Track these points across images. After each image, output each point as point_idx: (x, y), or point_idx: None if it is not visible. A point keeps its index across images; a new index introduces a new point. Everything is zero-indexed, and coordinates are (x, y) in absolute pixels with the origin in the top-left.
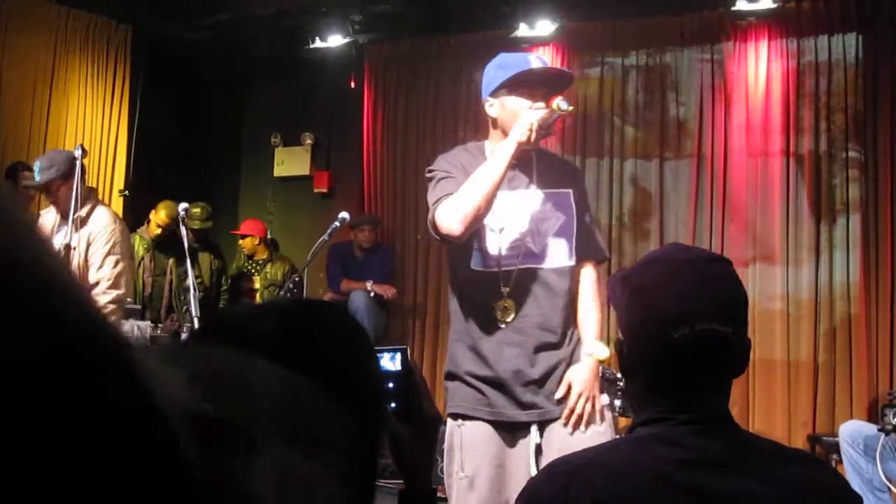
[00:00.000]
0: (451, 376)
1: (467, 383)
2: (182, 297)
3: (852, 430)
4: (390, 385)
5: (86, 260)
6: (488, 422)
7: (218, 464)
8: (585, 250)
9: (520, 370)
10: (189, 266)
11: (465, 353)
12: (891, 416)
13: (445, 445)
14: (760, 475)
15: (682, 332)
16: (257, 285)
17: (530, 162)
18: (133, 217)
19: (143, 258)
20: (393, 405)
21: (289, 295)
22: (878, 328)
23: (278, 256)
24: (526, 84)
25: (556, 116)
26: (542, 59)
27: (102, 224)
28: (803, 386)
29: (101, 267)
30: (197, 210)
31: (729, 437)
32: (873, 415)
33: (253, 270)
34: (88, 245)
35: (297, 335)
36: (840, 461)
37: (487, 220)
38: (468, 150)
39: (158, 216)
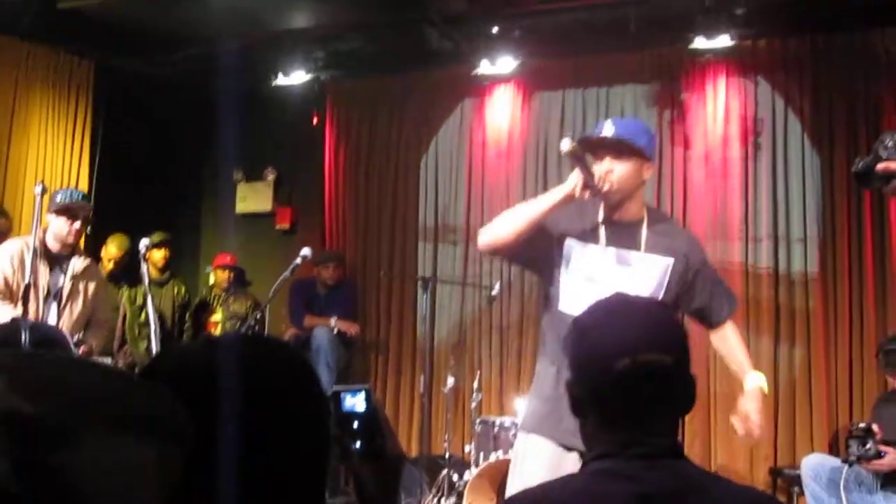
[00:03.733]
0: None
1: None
2: (137, 332)
3: (815, 464)
4: (355, 425)
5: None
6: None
7: (37, 460)
8: (720, 313)
9: None
10: (150, 300)
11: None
12: (855, 448)
13: None
14: None
15: (624, 362)
16: (219, 317)
17: (639, 224)
18: (94, 253)
19: None
20: (358, 444)
21: (249, 330)
22: (837, 361)
23: (242, 291)
24: (590, 147)
25: (595, 178)
26: (618, 123)
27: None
28: (764, 419)
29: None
30: (156, 236)
31: (680, 471)
32: (834, 447)
33: (217, 303)
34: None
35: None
36: (802, 494)
37: (581, 268)
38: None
39: (108, 251)
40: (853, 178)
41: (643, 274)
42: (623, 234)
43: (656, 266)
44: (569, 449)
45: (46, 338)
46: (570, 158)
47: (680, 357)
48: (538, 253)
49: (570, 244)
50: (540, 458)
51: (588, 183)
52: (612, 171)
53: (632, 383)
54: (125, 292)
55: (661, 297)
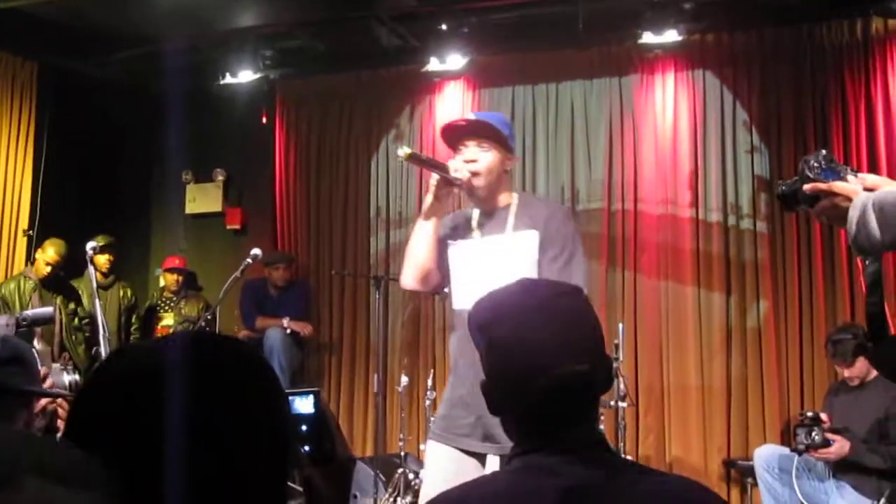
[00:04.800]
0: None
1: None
2: (74, 336)
3: (767, 454)
4: (304, 428)
5: None
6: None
7: None
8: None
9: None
10: (98, 304)
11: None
12: (802, 437)
13: None
14: (636, 496)
15: (541, 382)
16: (170, 321)
17: (508, 209)
18: (31, 256)
19: (30, 298)
20: (306, 448)
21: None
22: (787, 352)
23: (193, 293)
24: (449, 140)
25: (451, 170)
26: (480, 114)
27: None
28: (717, 411)
29: None
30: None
31: (605, 463)
32: (786, 438)
33: (167, 307)
34: None
35: (202, 365)
36: (755, 484)
37: (462, 265)
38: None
39: (46, 254)
40: (777, 200)
41: (515, 254)
42: (493, 223)
43: (525, 242)
44: (467, 453)
45: (14, 355)
46: (411, 163)
47: (597, 357)
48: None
49: (452, 246)
50: (437, 465)
51: (446, 178)
52: (477, 160)
53: (549, 397)
54: (59, 298)
55: (536, 272)
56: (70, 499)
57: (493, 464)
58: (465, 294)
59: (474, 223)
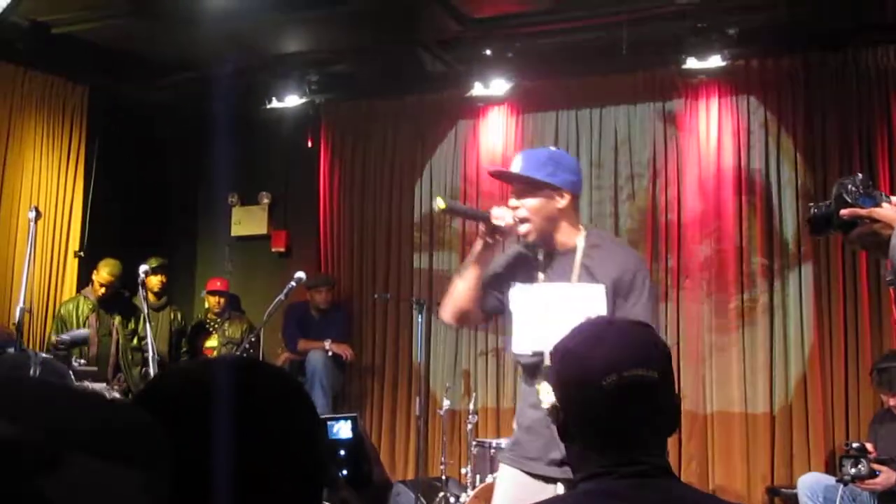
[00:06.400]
0: None
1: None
2: (130, 357)
3: (811, 483)
4: (342, 452)
5: None
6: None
7: (18, 481)
8: None
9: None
10: (148, 327)
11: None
12: (848, 467)
13: None
14: None
15: (611, 379)
16: (215, 343)
17: (573, 253)
18: (88, 279)
19: (87, 318)
20: (344, 472)
21: (244, 354)
22: (832, 380)
23: (237, 315)
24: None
25: (493, 218)
26: (524, 155)
27: None
28: (761, 439)
29: None
30: (153, 261)
31: (672, 491)
32: (830, 466)
33: (212, 328)
34: None
35: (240, 388)
36: None
37: (524, 309)
38: None
39: (100, 275)
40: (806, 224)
41: (582, 307)
42: (558, 266)
43: (594, 293)
44: (536, 477)
45: (53, 372)
46: (450, 214)
47: (665, 372)
48: (498, 310)
49: (513, 289)
50: (504, 487)
51: (490, 227)
52: (519, 206)
53: (618, 400)
54: (117, 318)
55: None
56: (121, 477)
57: (561, 490)
58: (526, 338)
59: (539, 265)
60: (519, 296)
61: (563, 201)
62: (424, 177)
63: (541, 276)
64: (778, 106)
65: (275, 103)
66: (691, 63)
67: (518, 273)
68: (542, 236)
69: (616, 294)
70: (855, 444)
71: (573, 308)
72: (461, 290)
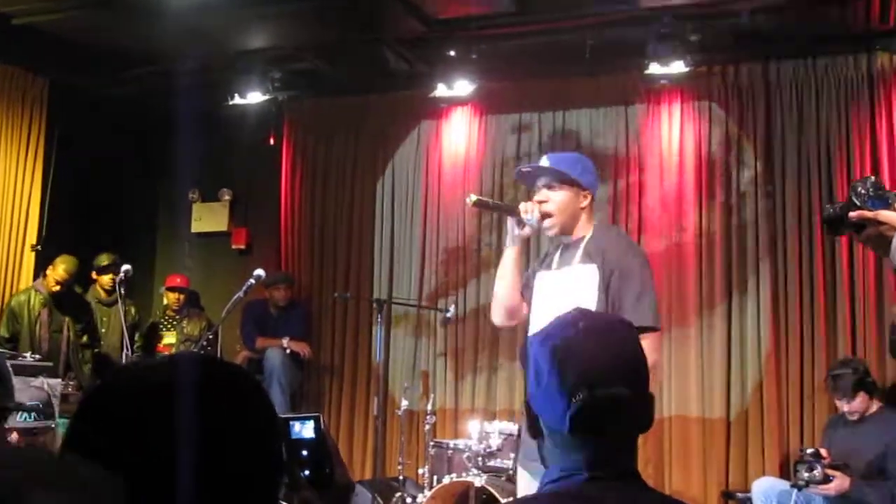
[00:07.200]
0: None
1: None
2: (80, 354)
3: (765, 487)
4: (304, 452)
5: None
6: None
7: None
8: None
9: None
10: (122, 319)
11: None
12: (803, 472)
13: None
14: None
15: (582, 395)
16: (172, 340)
17: (581, 241)
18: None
19: (39, 313)
20: (306, 472)
21: (202, 350)
22: (788, 386)
23: (196, 312)
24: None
25: (521, 212)
26: (553, 156)
27: None
28: (717, 443)
29: None
30: (104, 258)
31: (638, 494)
32: (785, 471)
33: (169, 325)
34: None
35: (197, 386)
36: None
37: (537, 296)
38: None
39: (56, 272)
40: (822, 224)
41: (578, 285)
42: (567, 254)
43: (586, 275)
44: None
45: None
46: (479, 208)
47: (637, 385)
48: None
49: (531, 278)
50: (520, 486)
51: (519, 220)
52: (548, 200)
53: (589, 414)
54: (68, 316)
55: (596, 304)
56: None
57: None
58: (537, 323)
59: (556, 255)
60: (537, 284)
61: (585, 201)
62: (386, 176)
63: (555, 263)
64: (739, 113)
65: (237, 100)
66: (654, 68)
67: (542, 264)
68: (563, 232)
69: (610, 274)
70: (809, 450)
71: (570, 290)
72: (501, 285)
